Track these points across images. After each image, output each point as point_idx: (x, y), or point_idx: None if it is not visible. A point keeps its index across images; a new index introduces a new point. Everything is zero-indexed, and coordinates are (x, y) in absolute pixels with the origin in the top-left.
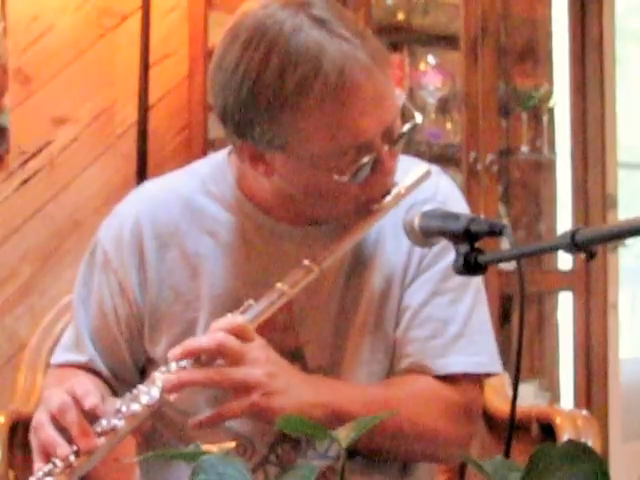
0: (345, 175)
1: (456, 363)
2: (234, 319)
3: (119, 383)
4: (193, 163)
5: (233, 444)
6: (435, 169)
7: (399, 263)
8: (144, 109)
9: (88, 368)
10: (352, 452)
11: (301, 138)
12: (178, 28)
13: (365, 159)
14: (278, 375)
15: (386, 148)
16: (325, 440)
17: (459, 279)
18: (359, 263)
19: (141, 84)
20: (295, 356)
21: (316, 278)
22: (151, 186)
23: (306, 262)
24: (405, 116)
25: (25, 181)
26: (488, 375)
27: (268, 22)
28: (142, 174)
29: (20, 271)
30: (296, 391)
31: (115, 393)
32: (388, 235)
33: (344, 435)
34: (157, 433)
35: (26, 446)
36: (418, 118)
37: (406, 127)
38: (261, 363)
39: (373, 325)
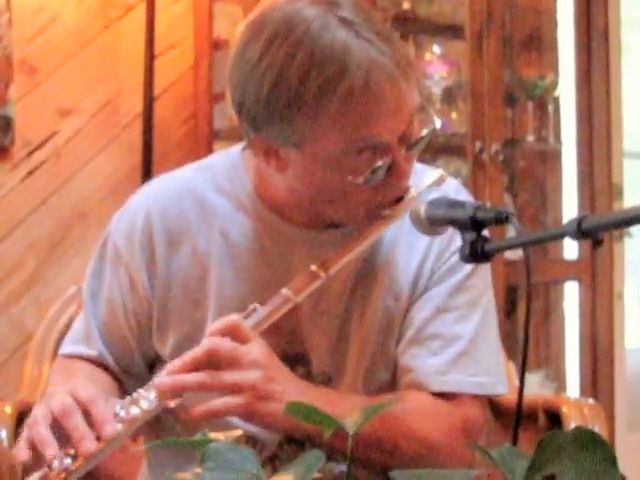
0: (359, 177)
1: (456, 382)
2: (229, 319)
3: (127, 377)
4: (207, 157)
5: (240, 432)
6: (453, 185)
7: (409, 276)
8: (149, 100)
9: (96, 362)
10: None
11: (318, 137)
12: (183, 19)
13: (380, 162)
14: (275, 380)
15: (403, 152)
16: (325, 436)
17: (468, 296)
18: (368, 272)
19: (146, 75)
20: (300, 361)
21: (323, 284)
22: (164, 180)
23: (313, 268)
24: (423, 120)
25: (30, 172)
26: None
27: (296, 19)
28: (147, 165)
29: (26, 262)
30: (292, 399)
31: (123, 386)
32: (400, 246)
33: (352, 422)
34: (167, 427)
35: None
36: (437, 123)
37: (424, 132)
38: (259, 365)
39: (376, 336)
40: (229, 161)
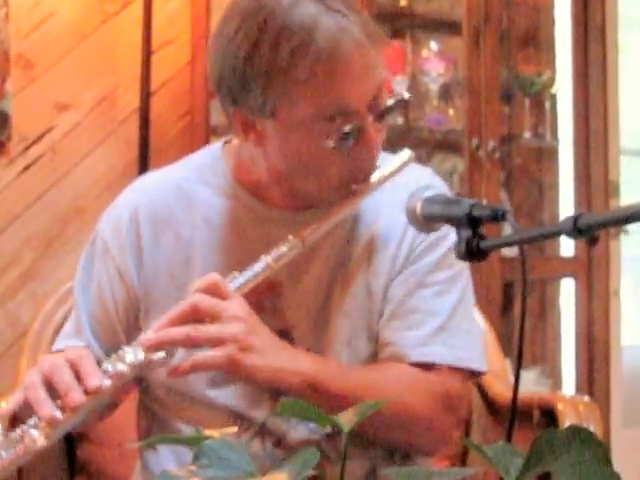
0: (330, 141)
1: (435, 353)
2: (210, 276)
3: None
4: (190, 155)
5: (235, 429)
6: (428, 170)
7: (389, 252)
8: (146, 95)
9: None
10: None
11: (290, 104)
12: (180, 14)
13: (349, 126)
14: (257, 333)
15: (371, 119)
16: (320, 431)
17: (447, 273)
18: (349, 250)
19: (143, 70)
20: (283, 338)
21: (300, 253)
22: (149, 177)
23: (290, 237)
24: (394, 94)
25: (27, 167)
26: (472, 373)
27: None
28: (144, 160)
29: (22, 257)
30: (274, 353)
31: None
32: (380, 223)
33: (346, 419)
34: (157, 417)
35: None
36: (405, 95)
37: (391, 101)
38: (240, 319)
39: (357, 312)
40: (210, 155)
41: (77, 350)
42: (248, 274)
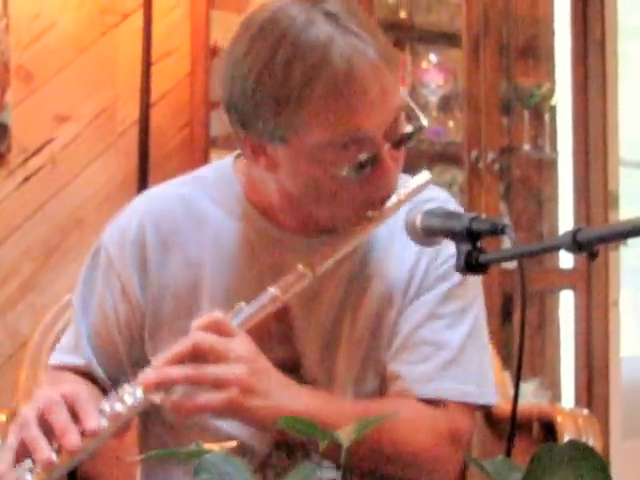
0: (344, 169)
1: (444, 389)
2: (212, 315)
3: (115, 386)
4: (199, 169)
5: (234, 443)
6: (444, 193)
7: (400, 283)
8: (146, 107)
9: (84, 372)
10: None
11: (303, 130)
12: (180, 26)
13: (365, 155)
14: (260, 375)
15: (388, 147)
16: (320, 448)
17: (458, 304)
18: (360, 279)
19: (143, 82)
20: (291, 367)
21: (310, 284)
22: (155, 191)
23: (300, 267)
24: (411, 119)
25: (27, 179)
26: (480, 407)
27: (280, 14)
28: (144, 172)
29: (21, 268)
30: (276, 394)
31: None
32: (392, 253)
33: (346, 435)
34: (156, 436)
35: None
36: (424, 121)
37: (409, 128)
38: (244, 360)
39: (367, 342)
40: (220, 171)
41: (74, 386)
42: (254, 307)
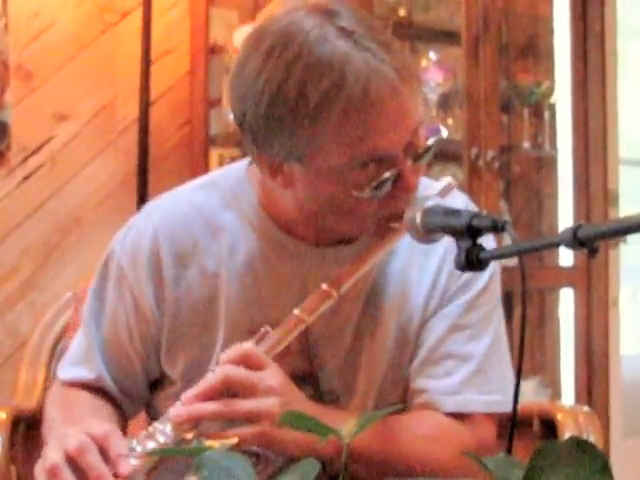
0: (364, 191)
1: (470, 402)
2: (242, 347)
3: (127, 399)
4: (212, 174)
5: (235, 439)
6: (465, 198)
7: (421, 295)
8: (145, 105)
9: (95, 387)
10: None
11: (320, 151)
12: (179, 24)
13: (387, 174)
14: (292, 406)
15: (409, 163)
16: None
17: (480, 314)
18: (380, 292)
19: (142, 80)
20: (308, 381)
21: (334, 303)
22: (169, 199)
23: (324, 286)
24: (428, 130)
25: (26, 177)
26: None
27: (293, 30)
28: (143, 170)
29: (21, 267)
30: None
31: (121, 409)
32: (412, 265)
33: (347, 431)
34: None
35: (27, 442)
36: (443, 132)
37: (430, 141)
38: (275, 392)
39: (388, 355)
40: (234, 177)
41: (103, 426)
42: (280, 332)
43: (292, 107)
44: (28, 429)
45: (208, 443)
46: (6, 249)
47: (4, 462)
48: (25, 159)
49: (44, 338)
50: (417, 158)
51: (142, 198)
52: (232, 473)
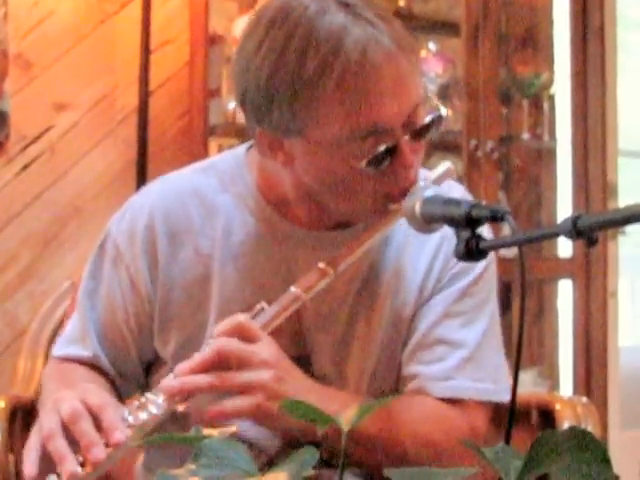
0: (363, 161)
1: (461, 387)
2: (235, 319)
3: (122, 379)
4: (211, 158)
5: (234, 428)
6: (461, 188)
7: (416, 280)
8: (145, 95)
9: (90, 364)
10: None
11: (319, 122)
12: (179, 14)
13: (383, 146)
14: (286, 380)
15: (407, 138)
16: (319, 433)
17: (474, 301)
18: (375, 276)
19: (142, 70)
20: (301, 363)
21: (328, 285)
22: (167, 180)
23: (321, 265)
24: (429, 109)
25: (25, 166)
26: (493, 403)
27: (293, 4)
28: (142, 160)
29: (20, 256)
30: (302, 398)
31: (117, 389)
32: (408, 250)
33: (347, 418)
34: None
35: (26, 431)
36: (442, 111)
37: (428, 118)
38: (269, 365)
39: (382, 339)
40: (232, 161)
41: (98, 395)
42: (276, 308)
43: (291, 76)
44: (27, 418)
45: (207, 432)
46: (5, 238)
47: (3, 451)
48: (24, 148)
49: (43, 327)
50: (416, 135)
51: (141, 188)
52: (230, 462)
